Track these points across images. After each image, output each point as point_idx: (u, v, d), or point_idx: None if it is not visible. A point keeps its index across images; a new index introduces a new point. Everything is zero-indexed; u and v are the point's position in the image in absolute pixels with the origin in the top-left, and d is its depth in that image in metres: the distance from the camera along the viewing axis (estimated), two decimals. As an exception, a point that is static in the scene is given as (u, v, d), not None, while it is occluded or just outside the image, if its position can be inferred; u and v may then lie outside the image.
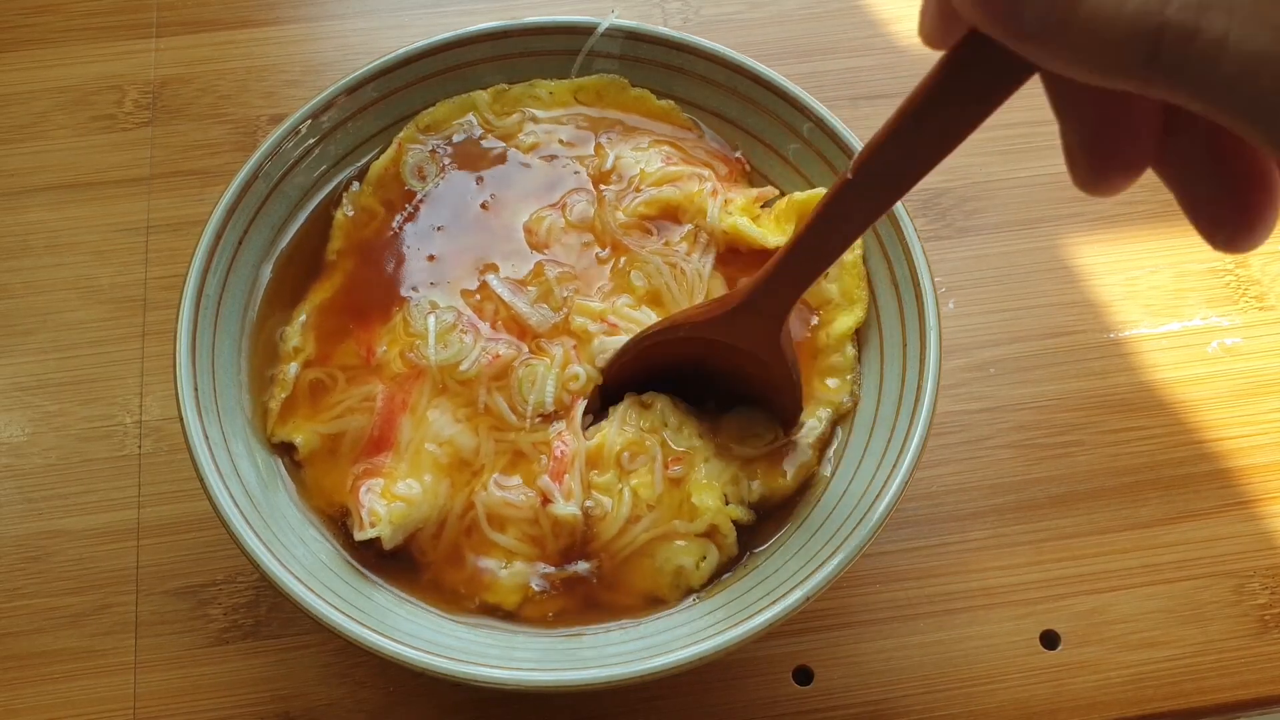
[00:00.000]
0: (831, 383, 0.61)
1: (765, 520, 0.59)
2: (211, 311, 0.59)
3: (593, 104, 0.69)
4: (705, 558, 0.57)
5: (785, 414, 0.59)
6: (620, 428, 0.58)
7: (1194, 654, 0.62)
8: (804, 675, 0.62)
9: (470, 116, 0.68)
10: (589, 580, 0.57)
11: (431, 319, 0.60)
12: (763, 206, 0.66)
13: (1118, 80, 0.28)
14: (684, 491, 0.57)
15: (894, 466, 0.54)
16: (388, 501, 0.56)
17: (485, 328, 0.61)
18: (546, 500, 0.56)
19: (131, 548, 0.64)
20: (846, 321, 0.62)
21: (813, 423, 0.60)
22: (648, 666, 0.50)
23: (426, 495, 0.57)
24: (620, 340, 0.60)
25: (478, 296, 0.62)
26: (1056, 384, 0.70)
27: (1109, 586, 0.64)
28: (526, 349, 0.60)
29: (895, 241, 0.60)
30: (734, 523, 0.57)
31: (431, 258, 0.63)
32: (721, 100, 0.67)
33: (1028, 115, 0.78)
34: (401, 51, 0.65)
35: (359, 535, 0.55)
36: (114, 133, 0.79)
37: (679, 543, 0.56)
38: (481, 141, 0.67)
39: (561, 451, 0.57)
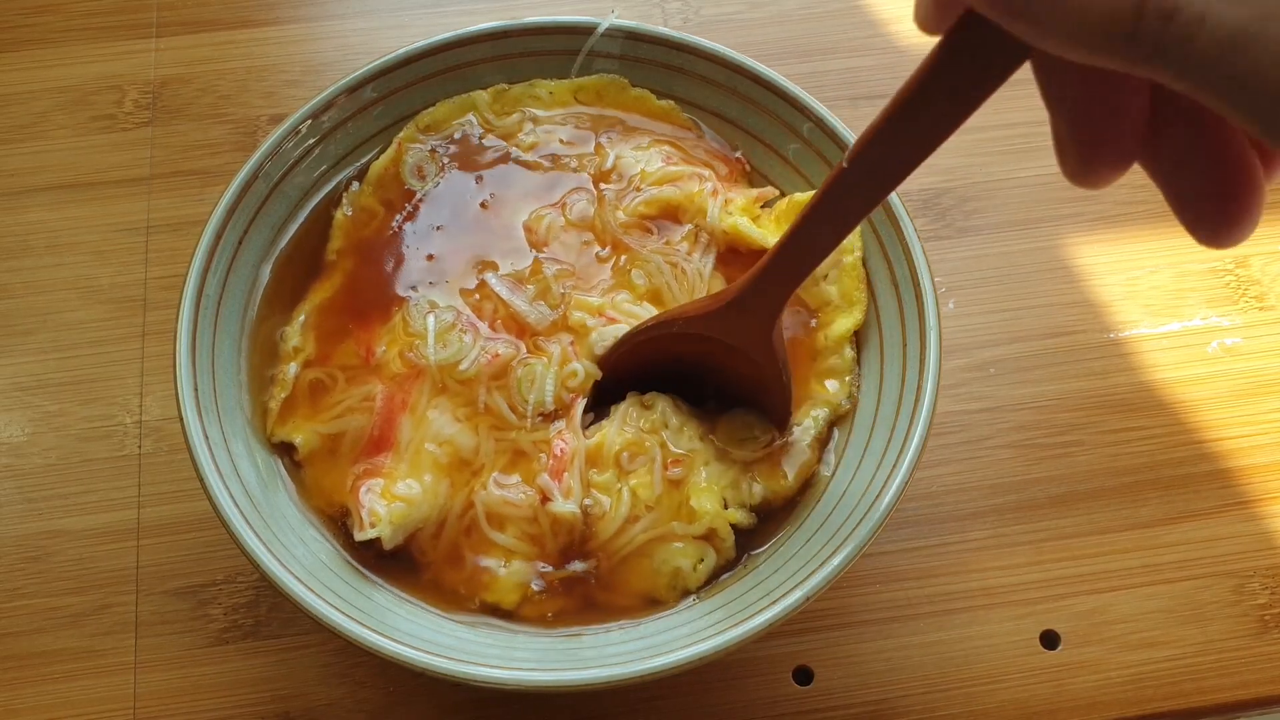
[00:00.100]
0: (830, 385, 0.61)
1: (765, 521, 0.59)
2: (211, 311, 0.59)
3: (593, 104, 0.69)
4: (703, 560, 0.57)
5: (776, 414, 0.59)
6: (620, 427, 0.58)
7: (1194, 654, 0.62)
8: (804, 675, 0.62)
9: (470, 116, 0.68)
10: (587, 580, 0.57)
11: (431, 318, 0.60)
12: (763, 206, 0.66)
13: (1102, 57, 0.28)
14: (683, 494, 0.57)
15: (894, 466, 0.54)
16: (388, 501, 0.56)
17: (484, 327, 0.61)
18: (546, 498, 0.56)
19: (131, 548, 0.64)
20: (845, 323, 0.62)
21: (808, 423, 0.60)
22: (647, 666, 0.50)
23: (426, 495, 0.57)
24: (619, 329, 0.60)
25: (477, 296, 0.62)
26: (1056, 384, 0.70)
27: (1109, 586, 0.64)
28: (525, 348, 0.60)
29: (895, 241, 0.60)
30: (733, 526, 0.57)
31: (431, 257, 0.63)
32: (721, 100, 0.67)
33: (1027, 115, 0.79)
34: (401, 51, 0.65)
35: (359, 535, 0.55)
36: (114, 133, 0.79)
37: (677, 544, 0.56)
38: (481, 141, 0.67)
39: (561, 450, 0.57)
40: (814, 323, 0.63)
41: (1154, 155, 0.33)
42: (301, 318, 0.62)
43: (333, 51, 0.83)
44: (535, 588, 0.56)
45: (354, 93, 0.65)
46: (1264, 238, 0.75)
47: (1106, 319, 0.73)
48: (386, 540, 0.56)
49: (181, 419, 0.54)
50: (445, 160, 0.66)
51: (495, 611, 0.56)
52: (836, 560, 0.51)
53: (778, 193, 0.67)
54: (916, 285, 0.59)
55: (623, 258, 0.63)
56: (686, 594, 0.57)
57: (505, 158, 0.67)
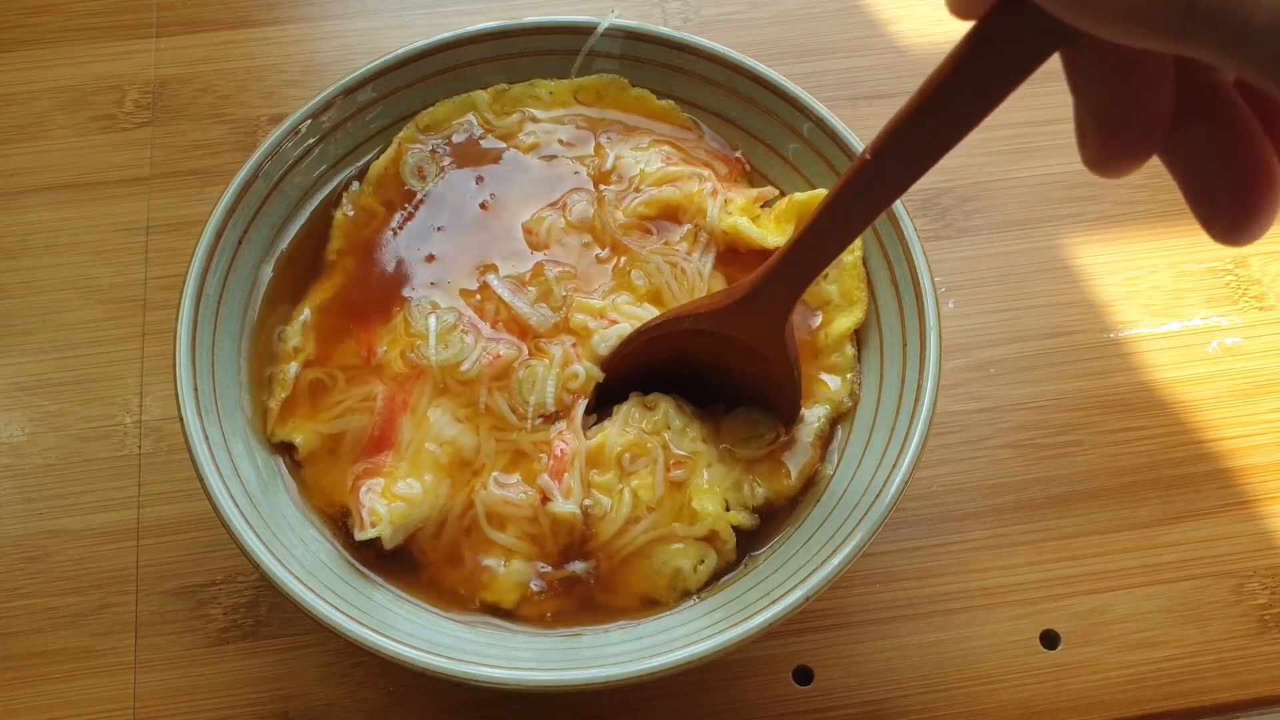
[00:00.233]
0: (832, 382, 0.61)
1: (765, 521, 0.59)
2: (211, 311, 0.59)
3: (593, 104, 0.69)
4: (703, 561, 0.57)
5: (785, 411, 0.59)
6: (622, 428, 0.58)
7: (1194, 654, 0.62)
8: (804, 675, 0.62)
9: (470, 116, 0.68)
10: (586, 581, 0.57)
11: (432, 319, 0.60)
12: (763, 206, 0.66)
13: (1152, 38, 0.28)
14: (685, 495, 0.57)
15: (894, 466, 0.54)
16: (388, 501, 0.56)
17: (486, 328, 0.61)
18: (546, 498, 0.56)
19: (131, 548, 0.64)
20: (846, 322, 0.62)
21: (811, 420, 0.60)
22: (647, 666, 0.50)
23: (427, 495, 0.57)
24: (621, 329, 0.60)
25: (478, 296, 0.62)
26: (1056, 384, 0.70)
27: (1109, 586, 0.64)
28: (526, 349, 0.60)
29: (895, 241, 0.60)
30: (735, 528, 0.57)
31: (431, 258, 0.63)
32: (721, 100, 0.67)
33: (1028, 115, 0.79)
34: (401, 51, 0.65)
35: (360, 535, 0.55)
36: (114, 133, 0.79)
37: (677, 545, 0.56)
38: (481, 141, 0.67)
39: (562, 450, 0.57)
40: (816, 322, 0.63)
41: (1174, 147, 0.33)
42: (302, 318, 0.62)
43: (333, 51, 0.83)
44: (534, 588, 0.56)
45: (354, 93, 0.65)
46: (1264, 238, 0.75)
47: (1106, 319, 0.73)
48: (387, 540, 0.56)
49: (181, 419, 0.54)
50: (445, 160, 0.66)
51: (495, 611, 0.56)
52: (836, 560, 0.51)
53: (778, 192, 0.67)
54: (916, 285, 0.59)
55: (622, 259, 0.63)
56: (686, 595, 0.57)
57: (505, 158, 0.67)
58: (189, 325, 0.57)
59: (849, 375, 0.61)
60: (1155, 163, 0.34)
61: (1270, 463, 0.68)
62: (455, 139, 0.67)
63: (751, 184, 0.68)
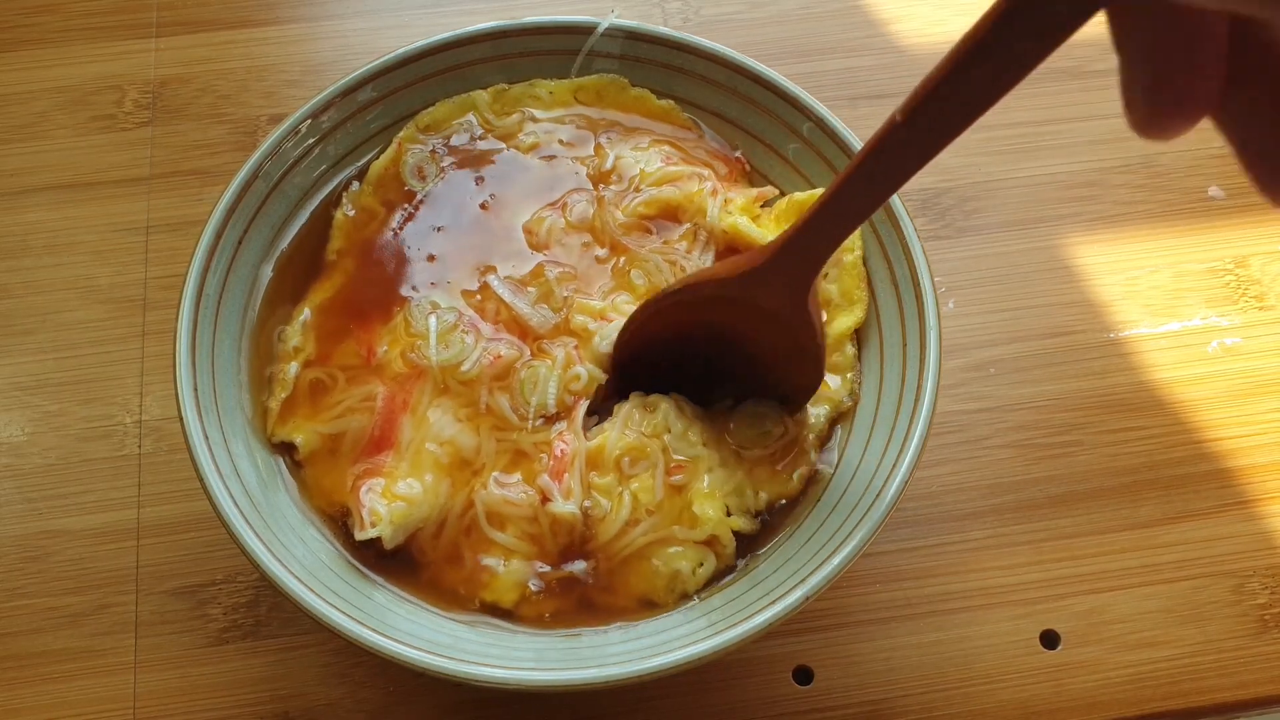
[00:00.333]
0: (832, 381, 0.61)
1: (766, 522, 0.59)
2: (211, 311, 0.59)
3: (592, 104, 0.69)
4: (703, 564, 0.56)
5: (804, 384, 0.57)
6: (622, 431, 0.58)
7: (1193, 654, 0.62)
8: (804, 675, 0.62)
9: (470, 116, 0.68)
10: (585, 581, 0.57)
11: (433, 319, 0.60)
12: (762, 206, 0.66)
13: None
14: (685, 499, 0.57)
15: (894, 466, 0.54)
16: (388, 501, 0.56)
17: (486, 328, 0.61)
18: (546, 499, 0.56)
19: (131, 548, 0.64)
20: (846, 322, 0.62)
21: (811, 419, 0.60)
22: (647, 666, 0.50)
23: (427, 495, 0.57)
24: (620, 325, 0.60)
25: (478, 297, 0.62)
26: (1056, 384, 0.70)
27: (1109, 586, 0.64)
28: (528, 350, 0.60)
29: (895, 241, 0.60)
30: (735, 533, 0.57)
31: (432, 258, 0.63)
32: (721, 100, 0.67)
33: (1028, 115, 0.79)
34: (401, 51, 0.65)
35: (360, 535, 0.55)
36: (114, 133, 0.79)
37: (677, 548, 0.56)
38: (481, 141, 0.67)
39: (562, 451, 0.57)
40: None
41: (1228, 109, 0.32)
42: (302, 318, 0.62)
43: (333, 51, 0.83)
44: (534, 588, 0.56)
45: (353, 93, 0.65)
46: (1264, 238, 0.75)
47: (1106, 319, 0.73)
48: (387, 540, 0.56)
49: (181, 419, 0.54)
50: (445, 160, 0.66)
51: (494, 611, 0.56)
52: (836, 560, 0.51)
53: (777, 192, 0.67)
54: (916, 285, 0.59)
55: (622, 259, 0.63)
56: (685, 597, 0.57)
57: (505, 158, 0.67)
58: (189, 325, 0.57)
59: (849, 375, 0.61)
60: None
61: (1270, 463, 0.68)
62: (455, 139, 0.67)
63: (751, 184, 0.68)
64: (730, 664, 0.61)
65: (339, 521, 0.58)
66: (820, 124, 0.64)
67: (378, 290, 0.62)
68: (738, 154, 0.68)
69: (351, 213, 0.65)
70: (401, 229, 0.64)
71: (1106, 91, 0.79)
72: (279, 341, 0.62)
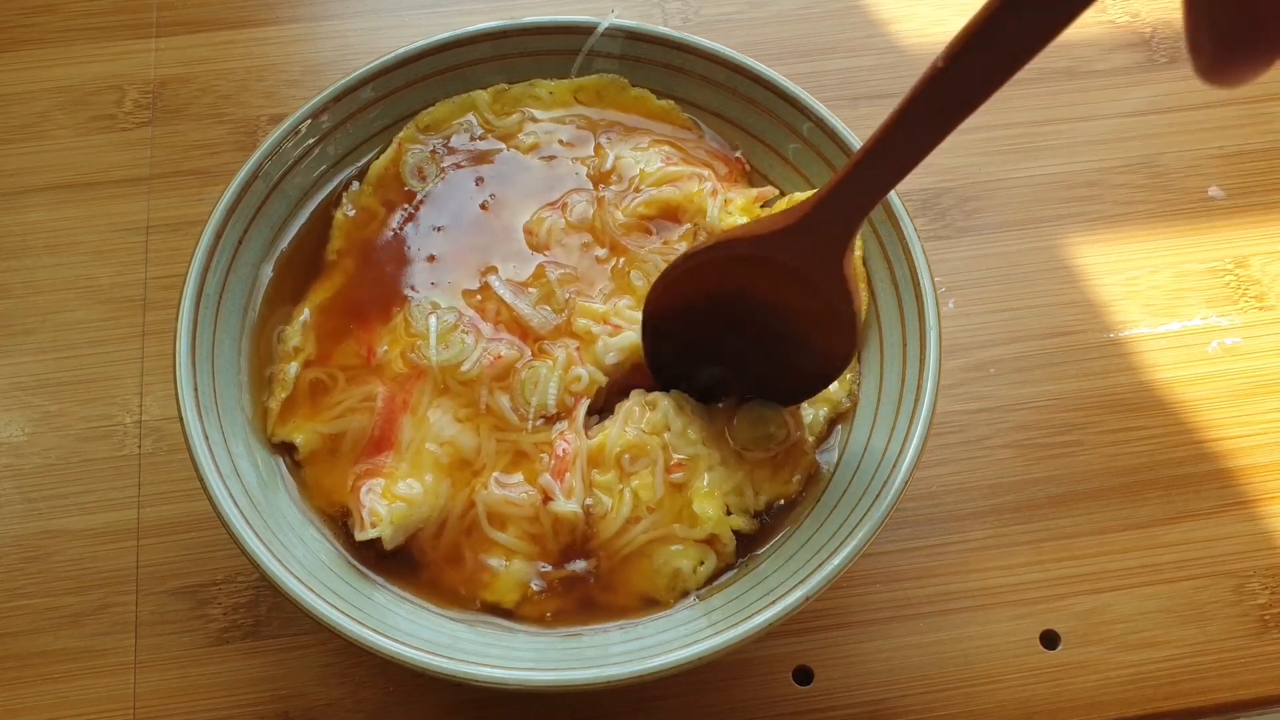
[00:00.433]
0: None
1: (766, 522, 0.59)
2: (211, 311, 0.59)
3: (592, 104, 0.69)
4: (703, 563, 0.57)
5: (839, 353, 0.54)
6: (622, 428, 0.58)
7: (1194, 654, 0.62)
8: (804, 675, 0.62)
9: (470, 116, 0.68)
10: (586, 580, 0.57)
11: (433, 319, 0.60)
12: (762, 206, 0.66)
13: None
14: (685, 498, 0.57)
15: (894, 466, 0.54)
16: (389, 501, 0.56)
17: (487, 328, 0.61)
18: (547, 498, 0.56)
19: (131, 548, 0.64)
20: (846, 321, 0.62)
21: (810, 421, 0.60)
22: (647, 666, 0.50)
23: (427, 495, 0.57)
24: (625, 338, 0.60)
25: (479, 297, 0.62)
26: (1056, 384, 0.70)
27: (1109, 586, 0.64)
28: (529, 351, 0.60)
29: (895, 241, 0.60)
30: (735, 532, 0.57)
31: (432, 258, 0.63)
32: (721, 100, 0.67)
33: (1028, 115, 0.79)
34: (401, 51, 0.65)
35: (360, 535, 0.55)
36: (114, 133, 0.79)
37: (677, 546, 0.56)
38: (481, 142, 0.67)
39: (563, 450, 0.57)
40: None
41: None
42: (302, 318, 0.62)
43: (333, 51, 0.83)
44: (535, 587, 0.56)
45: (353, 93, 0.65)
46: (1264, 238, 0.75)
47: (1106, 319, 0.73)
48: (388, 540, 0.56)
49: (181, 419, 0.54)
50: (445, 161, 0.66)
51: (495, 611, 0.56)
52: (836, 560, 0.51)
53: (777, 192, 0.67)
54: (916, 285, 0.59)
55: (621, 259, 0.63)
56: (685, 595, 0.57)
57: (505, 158, 0.67)
58: (189, 325, 0.57)
59: (848, 375, 0.61)
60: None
61: (1270, 463, 0.68)
62: (455, 139, 0.67)
63: (751, 184, 0.68)
64: (730, 664, 0.61)
65: (339, 522, 0.58)
66: (820, 124, 0.64)
67: (378, 290, 0.62)
68: (738, 154, 0.68)
69: (351, 213, 0.65)
70: (401, 229, 0.64)
71: (1106, 91, 0.79)
72: (279, 341, 0.62)
